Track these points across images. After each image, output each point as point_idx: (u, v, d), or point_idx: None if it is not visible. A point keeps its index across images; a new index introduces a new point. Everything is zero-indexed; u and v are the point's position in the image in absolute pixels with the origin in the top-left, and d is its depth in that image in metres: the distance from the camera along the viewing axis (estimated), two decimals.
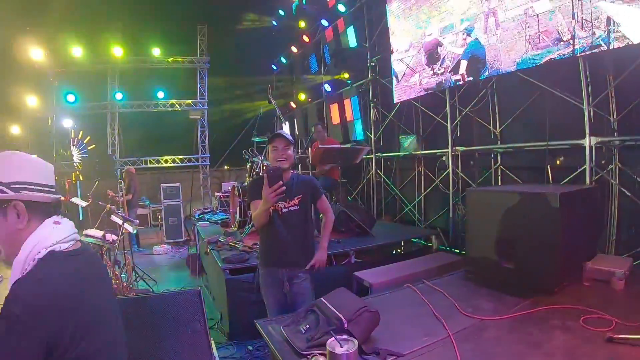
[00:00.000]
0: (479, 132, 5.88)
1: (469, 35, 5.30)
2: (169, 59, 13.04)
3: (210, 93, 13.42)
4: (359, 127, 8.93)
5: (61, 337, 1.32)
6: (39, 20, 10.75)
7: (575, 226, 2.73)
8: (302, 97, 11.07)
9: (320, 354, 1.84)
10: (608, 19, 3.70)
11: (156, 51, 12.79)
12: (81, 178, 12.20)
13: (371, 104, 8.17)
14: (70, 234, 1.52)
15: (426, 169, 7.06)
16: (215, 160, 13.43)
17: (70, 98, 12.07)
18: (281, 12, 12.07)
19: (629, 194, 4.00)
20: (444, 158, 6.22)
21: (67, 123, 12.45)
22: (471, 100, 5.80)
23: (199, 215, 8.48)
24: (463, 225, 5.60)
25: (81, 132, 12.38)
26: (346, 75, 8.26)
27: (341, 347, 1.64)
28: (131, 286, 5.21)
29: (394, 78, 7.01)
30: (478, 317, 2.25)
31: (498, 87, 5.57)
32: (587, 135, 4.13)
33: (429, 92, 6.25)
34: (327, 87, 9.49)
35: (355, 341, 1.69)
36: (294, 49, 11.78)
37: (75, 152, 12.99)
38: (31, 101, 11.59)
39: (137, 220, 5.85)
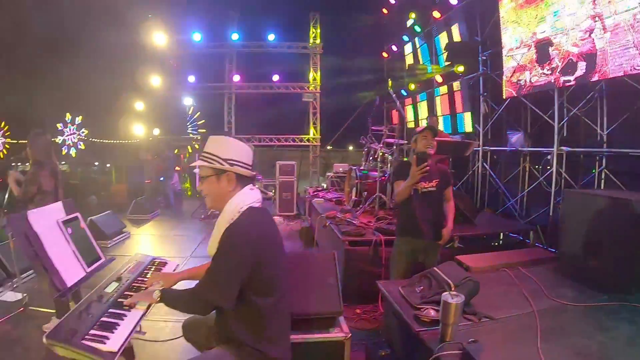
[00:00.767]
0: (586, 134, 6.19)
1: (582, 37, 5.58)
2: (283, 45, 14.48)
3: (322, 78, 14.61)
4: (466, 120, 9.46)
5: (260, 260, 2.05)
6: (163, 8, 12.85)
7: None
8: (412, 86, 11.73)
9: (431, 309, 2.56)
10: None
11: (271, 37, 14.40)
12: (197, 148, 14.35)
13: (481, 98, 8.65)
14: (260, 197, 2.26)
15: (531, 166, 7.45)
16: (323, 142, 14.69)
17: (191, 79, 14.19)
18: (392, 0, 12.79)
19: None
20: (549, 157, 6.62)
21: (187, 101, 14.69)
22: (579, 101, 6.09)
23: (313, 192, 9.49)
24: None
25: (191, 108, 14.48)
26: (461, 69, 8.68)
27: (452, 299, 2.22)
28: None
29: (504, 73, 7.40)
30: (560, 302, 2.88)
31: (607, 89, 5.77)
32: None
33: (538, 90, 6.60)
34: (439, 79, 10.03)
35: (462, 296, 2.26)
36: (405, 38, 12.55)
37: (189, 128, 15.28)
38: (155, 81, 13.81)
39: (271, 193, 7.10)
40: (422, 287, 2.93)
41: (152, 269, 3.04)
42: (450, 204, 3.93)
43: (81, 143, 27.02)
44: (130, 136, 14.71)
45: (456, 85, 9.81)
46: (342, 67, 14.37)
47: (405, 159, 6.82)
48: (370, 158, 7.57)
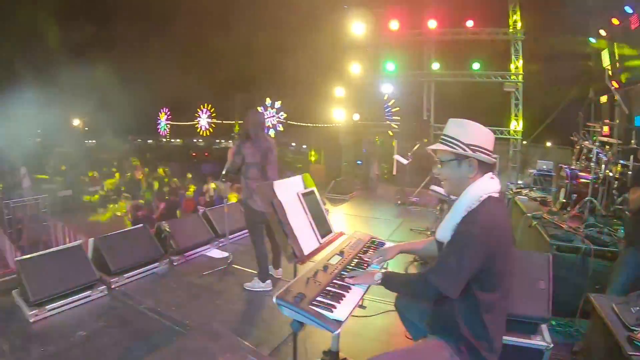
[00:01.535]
0: None
1: None
2: (483, 31, 14.09)
3: (525, 66, 13.88)
4: None
5: (494, 253, 2.03)
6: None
7: None
8: (623, 78, 10.48)
9: None
10: None
11: (469, 22, 14.04)
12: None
13: None
14: (499, 187, 2.20)
15: None
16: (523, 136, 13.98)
17: (390, 67, 14.74)
18: None
19: None
20: None
21: (387, 89, 15.28)
22: None
23: (516, 189, 9.17)
24: None
25: (385, 96, 14.94)
26: None
27: None
28: None
29: None
30: None
31: None
32: None
33: None
34: None
35: None
36: (615, 21, 11.06)
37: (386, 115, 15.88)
38: (355, 68, 14.63)
39: None
40: (638, 308, 2.80)
41: (370, 247, 3.23)
42: None
43: (280, 125, 30.16)
44: (330, 120, 15.90)
45: None
46: (547, 54, 13.57)
47: None
48: (583, 157, 7.11)
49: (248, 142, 5.00)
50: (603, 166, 6.46)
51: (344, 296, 2.37)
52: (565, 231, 5.28)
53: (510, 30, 13.78)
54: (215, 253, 6.60)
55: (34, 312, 4.62)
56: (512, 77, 13.77)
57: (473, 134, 2.24)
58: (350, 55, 14.69)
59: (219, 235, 7.00)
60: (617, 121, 7.98)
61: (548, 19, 13.35)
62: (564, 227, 5.44)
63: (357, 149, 15.21)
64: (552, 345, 2.86)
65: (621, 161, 6.52)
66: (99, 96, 27.84)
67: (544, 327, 3.05)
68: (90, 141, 41.26)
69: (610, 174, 6.36)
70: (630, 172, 6.09)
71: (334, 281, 2.54)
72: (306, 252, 2.91)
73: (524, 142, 13.95)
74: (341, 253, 2.99)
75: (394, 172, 13.03)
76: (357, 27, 14.03)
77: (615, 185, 6.34)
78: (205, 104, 37.34)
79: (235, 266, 5.99)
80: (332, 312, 2.18)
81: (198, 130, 38.89)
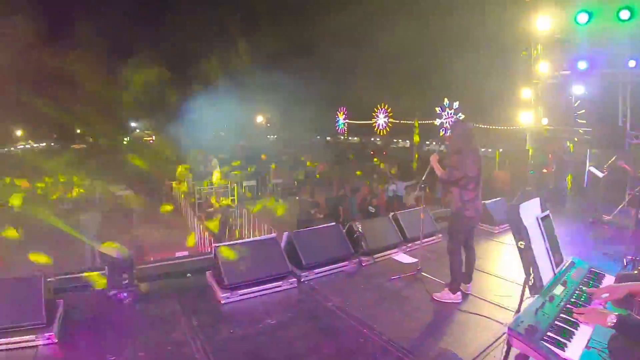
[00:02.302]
0: None
1: None
2: None
3: None
4: None
5: None
6: None
7: None
8: None
9: None
10: None
11: None
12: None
13: None
14: None
15: None
16: None
17: (581, 65, 12.91)
18: None
19: None
20: None
21: (578, 90, 13.54)
22: None
23: None
24: None
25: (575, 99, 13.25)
26: None
27: None
28: None
29: None
30: None
31: None
32: None
33: None
34: None
35: None
36: None
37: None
38: (542, 67, 13.23)
39: None
40: None
41: (590, 280, 3.01)
42: None
43: None
44: (513, 122, 14.76)
45: None
46: None
47: None
48: None
49: (469, 155, 4.93)
50: None
51: (574, 334, 2.24)
52: None
53: None
54: (403, 257, 6.49)
55: (225, 294, 4.96)
56: None
57: None
58: (536, 52, 13.37)
59: (407, 239, 6.89)
60: None
61: None
62: None
63: (544, 156, 13.87)
64: None
65: None
66: (282, 96, 30.07)
67: None
68: (271, 136, 45.15)
69: None
70: None
71: (561, 315, 2.40)
72: (544, 282, 2.75)
73: None
74: (564, 283, 2.82)
75: (584, 185, 11.61)
76: (541, 21, 12.68)
77: None
78: (382, 104, 38.05)
79: (424, 274, 5.78)
80: (564, 350, 2.08)
81: (375, 129, 39.83)
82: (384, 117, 38.79)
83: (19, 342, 3.97)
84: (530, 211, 3.01)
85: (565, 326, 2.28)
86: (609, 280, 3.05)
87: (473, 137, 5.12)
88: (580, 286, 2.82)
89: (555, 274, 2.90)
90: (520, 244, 2.71)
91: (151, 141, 54.82)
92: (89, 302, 4.97)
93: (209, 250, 9.83)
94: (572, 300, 2.60)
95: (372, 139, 42.41)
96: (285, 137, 40.05)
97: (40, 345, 3.97)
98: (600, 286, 2.86)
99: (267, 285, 5.21)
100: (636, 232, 6.46)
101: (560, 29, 12.82)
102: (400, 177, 15.45)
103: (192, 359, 3.83)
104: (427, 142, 35.93)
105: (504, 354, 2.53)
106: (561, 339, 2.15)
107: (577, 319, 2.34)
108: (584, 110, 14.42)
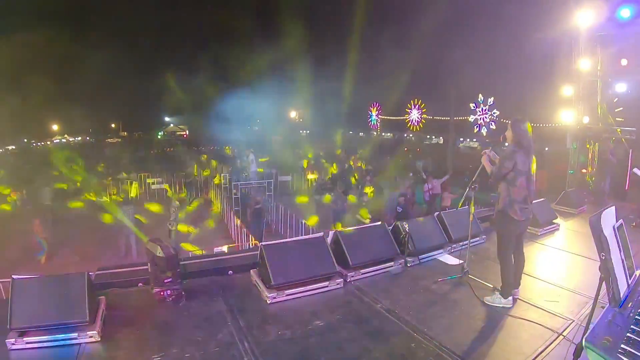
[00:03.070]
0: None
1: None
2: None
3: None
4: None
5: None
6: None
7: None
8: None
9: None
10: None
11: None
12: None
13: None
14: None
15: None
16: None
17: (623, 62, 12.36)
18: None
19: None
20: None
21: (621, 87, 12.96)
22: None
23: None
24: None
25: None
26: None
27: None
28: None
29: None
30: None
31: None
32: None
33: None
34: None
35: None
36: None
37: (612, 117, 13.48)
38: (584, 64, 12.71)
39: None
40: None
41: None
42: None
43: (492, 123, 28.66)
44: (551, 120, 14.31)
45: None
46: None
47: None
48: None
49: (521, 150, 4.82)
50: None
51: None
52: None
53: None
54: (449, 259, 6.35)
55: (272, 294, 4.90)
56: None
57: None
58: (577, 48, 12.84)
59: (452, 240, 6.73)
60: None
61: None
62: None
63: (584, 155, 13.40)
64: None
65: None
66: (316, 91, 30.10)
67: None
68: (304, 131, 45.37)
69: None
70: None
71: (632, 326, 2.37)
72: (621, 295, 2.68)
73: None
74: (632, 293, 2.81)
75: (626, 187, 11.21)
76: (583, 16, 12.14)
77: None
78: (416, 99, 37.62)
79: (470, 276, 5.61)
80: None
81: (408, 125, 39.47)
82: (418, 113, 38.34)
83: (64, 340, 4.01)
84: (608, 221, 2.84)
85: (637, 338, 2.25)
86: None
87: (529, 136, 4.97)
88: None
89: (629, 285, 2.81)
90: (602, 256, 2.60)
91: (185, 136, 55.93)
92: (133, 299, 5.00)
93: (248, 246, 9.89)
94: None
95: (406, 135, 42.13)
96: (319, 132, 40.15)
97: (83, 342, 4.00)
98: None
99: (313, 285, 5.14)
100: None
101: (602, 24, 12.34)
102: (435, 175, 15.20)
103: None
104: (461, 139, 35.42)
105: None
106: (637, 352, 2.12)
107: None
108: (621, 108, 13.84)
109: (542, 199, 8.40)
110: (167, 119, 59.14)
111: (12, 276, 4.23)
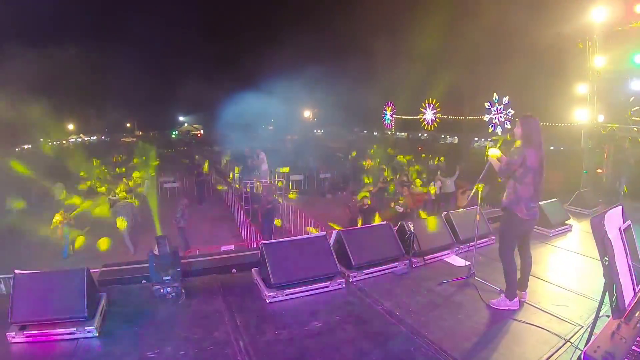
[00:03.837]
0: None
1: None
2: None
3: None
4: None
5: None
6: None
7: None
8: None
9: None
10: None
11: None
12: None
13: None
14: None
15: None
16: None
17: (637, 59, 12.04)
18: None
19: None
20: None
21: (637, 85, 12.65)
22: None
23: None
24: None
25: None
26: None
27: None
28: None
29: None
30: None
31: None
32: None
33: None
34: None
35: None
36: None
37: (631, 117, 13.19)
38: (599, 61, 12.43)
39: None
40: None
41: None
42: None
43: (507, 122, 28.36)
44: (564, 119, 14.05)
45: None
46: None
47: None
48: None
49: (532, 147, 4.68)
50: None
51: None
52: None
53: None
54: (455, 260, 6.24)
55: (271, 293, 4.86)
56: None
57: None
58: (592, 44, 12.56)
59: (459, 241, 6.62)
60: None
61: None
62: None
63: (599, 155, 13.13)
64: None
65: None
66: (330, 91, 30.09)
67: None
68: (318, 131, 45.42)
69: None
70: None
71: (639, 338, 2.29)
72: (626, 303, 2.56)
73: None
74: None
75: None
76: (598, 11, 11.85)
77: None
78: (430, 99, 37.38)
79: (477, 278, 5.50)
80: None
81: (422, 125, 39.23)
82: (432, 113, 38.09)
83: (61, 335, 4.02)
84: (613, 222, 2.70)
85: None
86: None
87: (540, 133, 4.85)
88: None
89: (636, 294, 2.65)
90: (605, 260, 2.45)
91: (199, 135, 56.31)
92: (133, 296, 5.00)
93: (255, 246, 9.87)
94: None
95: (419, 135, 41.90)
96: (333, 131, 40.17)
97: (80, 338, 4.01)
98: None
99: (314, 285, 5.08)
100: None
101: (618, 19, 12.06)
102: (447, 173, 15.05)
103: None
104: (476, 139, 35.03)
105: None
106: None
107: None
108: (638, 108, 13.51)
109: (554, 199, 8.24)
110: (181, 118, 59.67)
111: (14, 271, 4.28)
